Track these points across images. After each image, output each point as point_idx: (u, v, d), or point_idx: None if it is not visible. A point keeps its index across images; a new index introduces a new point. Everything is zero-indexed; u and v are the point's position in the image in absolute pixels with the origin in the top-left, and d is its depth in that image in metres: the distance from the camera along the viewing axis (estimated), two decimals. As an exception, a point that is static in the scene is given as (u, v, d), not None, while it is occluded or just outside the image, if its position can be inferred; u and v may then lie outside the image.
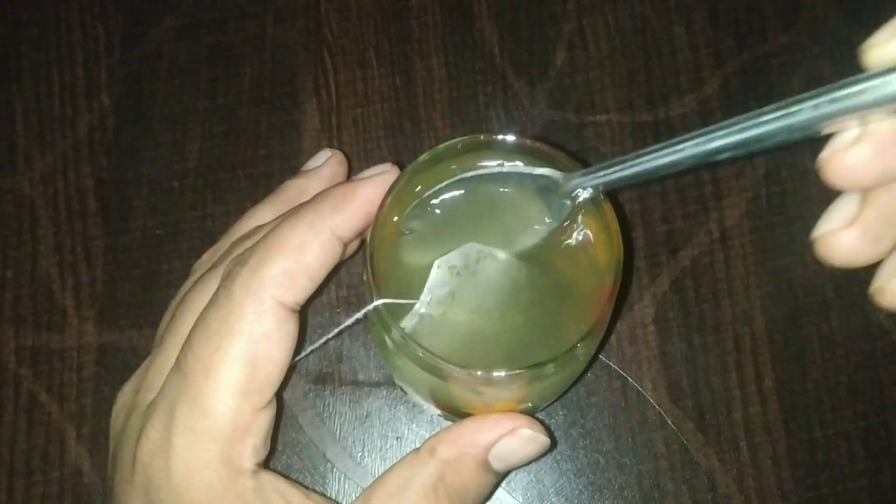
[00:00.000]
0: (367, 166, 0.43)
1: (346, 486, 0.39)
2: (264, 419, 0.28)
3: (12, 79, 0.44)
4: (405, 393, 0.39)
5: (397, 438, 0.39)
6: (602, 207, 0.29)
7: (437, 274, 0.29)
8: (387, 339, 0.29)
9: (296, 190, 0.36)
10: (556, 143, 0.33)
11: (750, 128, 0.22)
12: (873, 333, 0.41)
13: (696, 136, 0.23)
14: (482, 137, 0.30)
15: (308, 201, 0.31)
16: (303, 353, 0.32)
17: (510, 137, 0.30)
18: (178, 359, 0.28)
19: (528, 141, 0.30)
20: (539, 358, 0.27)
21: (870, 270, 0.43)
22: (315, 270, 0.29)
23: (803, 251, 0.42)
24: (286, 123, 0.44)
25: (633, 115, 0.44)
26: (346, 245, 0.30)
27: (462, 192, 0.31)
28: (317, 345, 0.33)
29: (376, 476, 0.39)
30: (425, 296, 0.29)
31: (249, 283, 0.28)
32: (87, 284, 0.41)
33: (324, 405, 0.40)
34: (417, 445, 0.39)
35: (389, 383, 0.40)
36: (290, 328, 0.28)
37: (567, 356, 0.27)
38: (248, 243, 0.31)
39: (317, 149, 0.43)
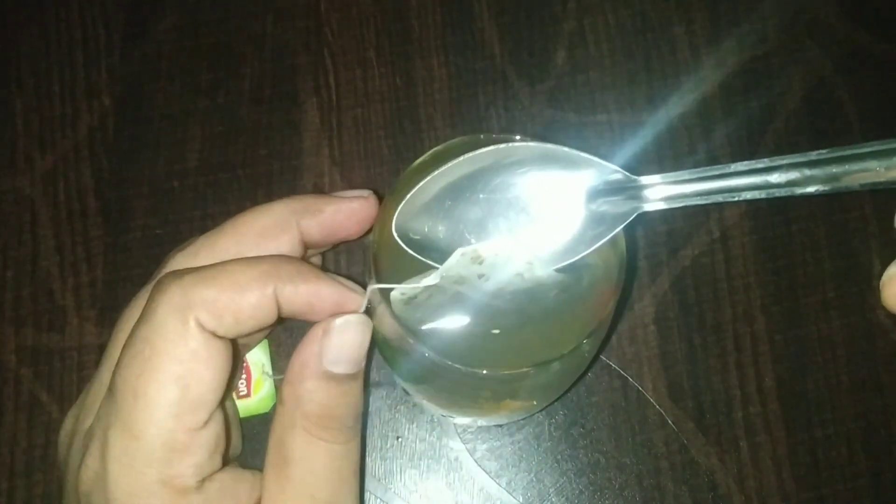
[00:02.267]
0: (368, 166, 0.43)
1: (347, 486, 0.39)
2: (205, 437, 0.27)
3: (12, 79, 0.44)
4: (406, 393, 0.39)
5: (397, 438, 0.39)
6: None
7: (459, 261, 0.28)
8: (387, 337, 0.29)
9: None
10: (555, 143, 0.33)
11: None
12: (873, 333, 0.41)
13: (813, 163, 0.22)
14: (481, 137, 0.30)
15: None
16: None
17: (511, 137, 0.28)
18: (110, 381, 0.27)
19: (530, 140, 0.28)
20: (543, 356, 0.27)
21: (870, 271, 0.44)
22: (243, 318, 0.27)
23: (803, 251, 0.42)
24: (286, 123, 0.44)
25: (633, 115, 0.44)
26: (279, 315, 0.28)
27: (479, 182, 0.27)
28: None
29: (376, 476, 0.39)
30: (433, 278, 0.28)
31: (177, 301, 0.26)
32: (87, 284, 0.41)
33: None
34: (417, 445, 0.40)
35: (389, 383, 0.40)
36: (219, 347, 0.26)
37: (572, 354, 0.27)
38: (192, 249, 0.30)
39: (317, 148, 0.43)
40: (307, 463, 0.27)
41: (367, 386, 0.31)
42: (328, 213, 0.30)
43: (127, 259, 0.42)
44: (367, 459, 0.39)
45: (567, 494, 0.39)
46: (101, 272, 0.41)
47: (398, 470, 0.39)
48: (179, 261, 0.30)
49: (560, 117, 0.44)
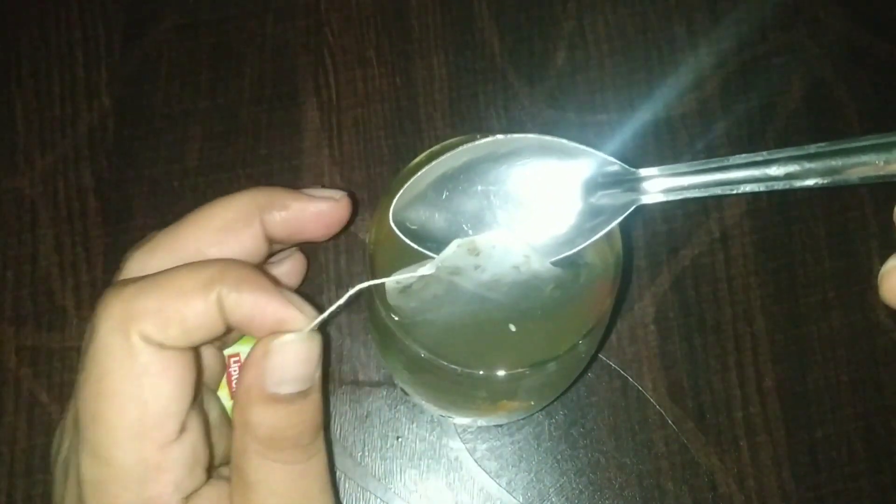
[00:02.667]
0: (368, 166, 0.43)
1: (347, 485, 0.39)
2: (180, 452, 0.25)
3: (12, 79, 0.44)
4: (405, 393, 0.39)
5: (397, 438, 0.39)
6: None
7: (455, 252, 0.27)
8: (383, 336, 0.29)
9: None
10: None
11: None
12: (873, 333, 0.41)
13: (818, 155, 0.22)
14: (479, 137, 0.29)
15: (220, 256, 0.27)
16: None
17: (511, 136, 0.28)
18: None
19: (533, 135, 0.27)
20: (540, 356, 0.27)
21: (870, 271, 0.43)
22: (190, 328, 0.25)
23: (803, 251, 0.42)
24: (286, 123, 0.44)
25: (633, 115, 0.44)
26: (228, 326, 0.26)
27: (477, 174, 0.27)
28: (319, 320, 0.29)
29: (376, 476, 0.39)
30: (429, 268, 0.27)
31: (118, 315, 0.24)
32: (87, 284, 0.41)
33: (324, 405, 0.40)
34: (417, 445, 0.40)
35: (389, 383, 0.40)
36: (173, 356, 0.25)
37: (569, 354, 0.27)
38: (150, 245, 0.28)
39: (317, 148, 0.43)
40: (267, 486, 0.26)
41: (326, 398, 0.29)
42: (294, 210, 0.29)
43: (127, 259, 0.42)
44: (367, 459, 0.39)
45: (567, 494, 0.39)
46: (101, 272, 0.41)
47: (398, 470, 0.39)
48: (137, 258, 0.29)
49: (560, 117, 0.44)
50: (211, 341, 0.27)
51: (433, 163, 0.27)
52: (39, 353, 0.40)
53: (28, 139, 0.43)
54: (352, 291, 0.26)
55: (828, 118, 0.44)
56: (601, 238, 0.27)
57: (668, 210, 0.43)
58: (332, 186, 0.43)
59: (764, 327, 0.41)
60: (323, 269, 0.41)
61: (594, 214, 0.26)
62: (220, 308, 0.25)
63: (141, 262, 0.28)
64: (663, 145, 0.44)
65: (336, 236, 0.42)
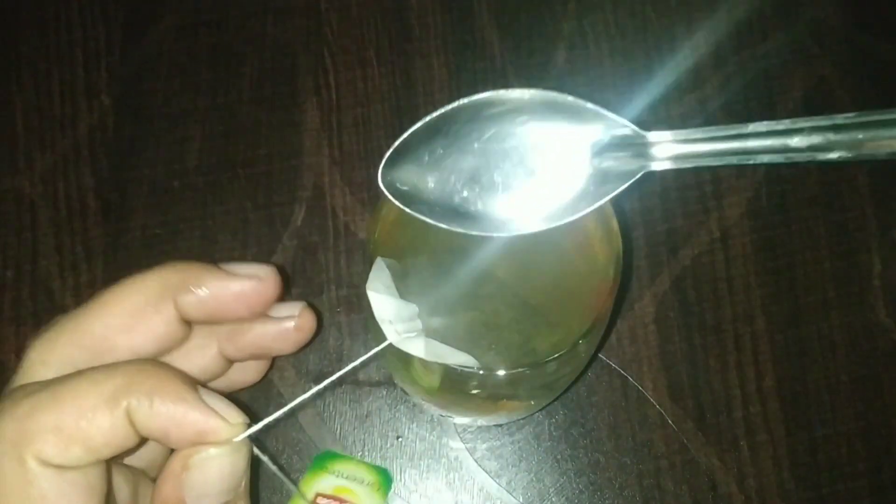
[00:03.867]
0: (368, 166, 0.43)
1: (347, 485, 0.39)
2: None
3: (12, 79, 0.44)
4: (405, 393, 0.39)
5: (397, 438, 0.39)
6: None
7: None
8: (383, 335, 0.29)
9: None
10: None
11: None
12: (873, 333, 0.41)
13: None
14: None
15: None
16: (319, 386, 0.28)
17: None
18: None
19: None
20: (540, 356, 0.27)
21: (870, 271, 0.43)
22: (96, 447, 0.22)
23: (803, 251, 0.42)
24: (286, 123, 0.44)
25: (633, 116, 0.44)
26: (142, 438, 0.23)
27: (474, 130, 0.25)
28: (333, 377, 0.28)
29: (376, 476, 0.39)
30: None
31: (11, 435, 0.22)
32: (87, 284, 0.41)
33: (324, 404, 0.40)
34: (417, 445, 0.40)
35: (389, 383, 0.40)
36: (73, 479, 0.22)
37: (569, 354, 0.27)
38: (53, 334, 0.25)
39: (317, 148, 0.43)
40: None
41: (256, 499, 0.28)
42: (211, 290, 0.26)
43: (127, 259, 0.42)
44: (367, 459, 0.39)
45: (567, 494, 0.39)
46: (101, 272, 0.41)
47: (398, 470, 0.39)
48: (37, 349, 0.25)
49: (560, 117, 0.44)
50: (123, 455, 0.25)
51: (426, 119, 0.25)
52: (39, 353, 0.40)
53: (28, 139, 0.43)
54: (309, 392, 0.24)
55: (828, 118, 0.44)
56: (601, 237, 0.27)
57: (668, 210, 0.43)
58: (332, 186, 0.43)
59: (764, 327, 0.41)
60: (323, 269, 0.41)
61: (600, 179, 0.24)
62: (129, 421, 0.22)
63: (42, 354, 0.25)
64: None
65: (336, 236, 0.42)
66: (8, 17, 0.46)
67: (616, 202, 0.26)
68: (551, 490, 0.39)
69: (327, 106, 0.44)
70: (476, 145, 0.25)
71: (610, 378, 0.40)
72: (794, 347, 0.41)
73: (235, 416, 0.24)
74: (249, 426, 0.24)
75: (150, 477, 0.28)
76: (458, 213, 0.25)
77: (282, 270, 0.29)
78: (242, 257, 0.41)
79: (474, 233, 0.24)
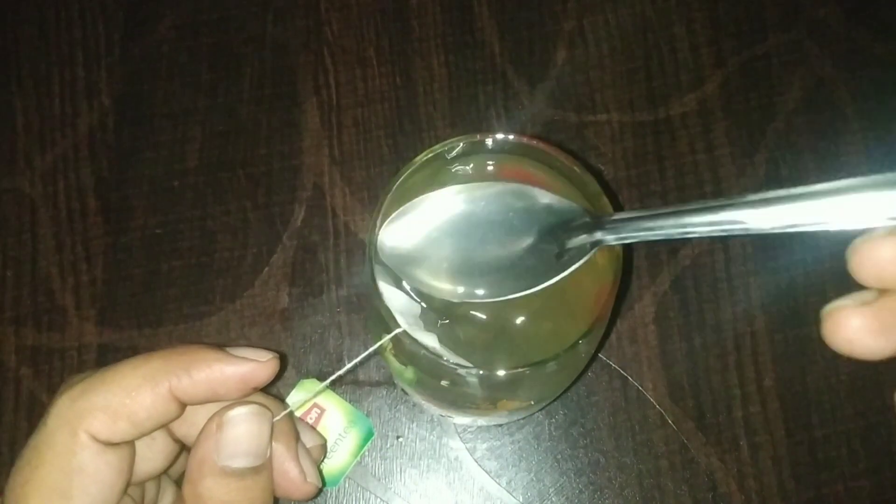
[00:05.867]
0: (368, 166, 0.43)
1: (347, 485, 0.39)
2: None
3: (12, 79, 0.44)
4: (405, 393, 0.39)
5: (397, 438, 0.39)
6: (602, 204, 0.29)
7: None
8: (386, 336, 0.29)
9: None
10: (556, 142, 0.33)
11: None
12: (873, 333, 0.41)
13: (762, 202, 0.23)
14: (478, 137, 0.30)
15: (162, 351, 0.28)
16: (326, 383, 0.31)
17: (508, 136, 0.30)
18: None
19: (526, 139, 0.30)
20: (540, 356, 0.27)
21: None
22: (140, 420, 0.26)
23: (803, 251, 0.42)
24: (286, 123, 0.44)
25: (634, 115, 0.44)
26: (183, 406, 0.27)
27: (459, 217, 0.29)
28: (338, 373, 0.32)
29: (376, 476, 0.39)
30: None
31: (66, 412, 0.26)
32: (87, 284, 0.41)
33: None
34: (417, 445, 0.40)
35: (389, 383, 0.40)
36: (108, 460, 0.26)
37: (569, 354, 0.27)
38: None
39: (317, 148, 0.43)
40: None
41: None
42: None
43: (127, 259, 0.42)
44: (367, 459, 0.39)
45: (567, 494, 0.39)
46: (101, 272, 0.41)
47: (398, 469, 0.39)
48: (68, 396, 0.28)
49: (560, 117, 0.44)
50: (166, 425, 0.28)
51: (415, 201, 0.28)
52: (39, 353, 0.40)
53: (28, 139, 0.43)
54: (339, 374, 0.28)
55: (828, 118, 0.44)
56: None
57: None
58: (332, 186, 0.43)
59: (764, 327, 0.41)
60: (323, 269, 0.41)
61: (565, 253, 0.28)
62: (172, 397, 0.26)
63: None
64: (662, 145, 0.44)
65: (336, 236, 0.42)
66: (8, 17, 0.46)
67: (616, 202, 0.26)
68: (551, 490, 0.39)
69: (327, 106, 0.44)
70: (460, 229, 0.29)
71: (610, 378, 0.40)
72: (794, 347, 0.41)
73: (264, 354, 0.28)
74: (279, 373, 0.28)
75: (173, 479, 0.31)
76: (445, 278, 0.29)
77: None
78: (242, 257, 0.41)
79: (456, 301, 0.28)
